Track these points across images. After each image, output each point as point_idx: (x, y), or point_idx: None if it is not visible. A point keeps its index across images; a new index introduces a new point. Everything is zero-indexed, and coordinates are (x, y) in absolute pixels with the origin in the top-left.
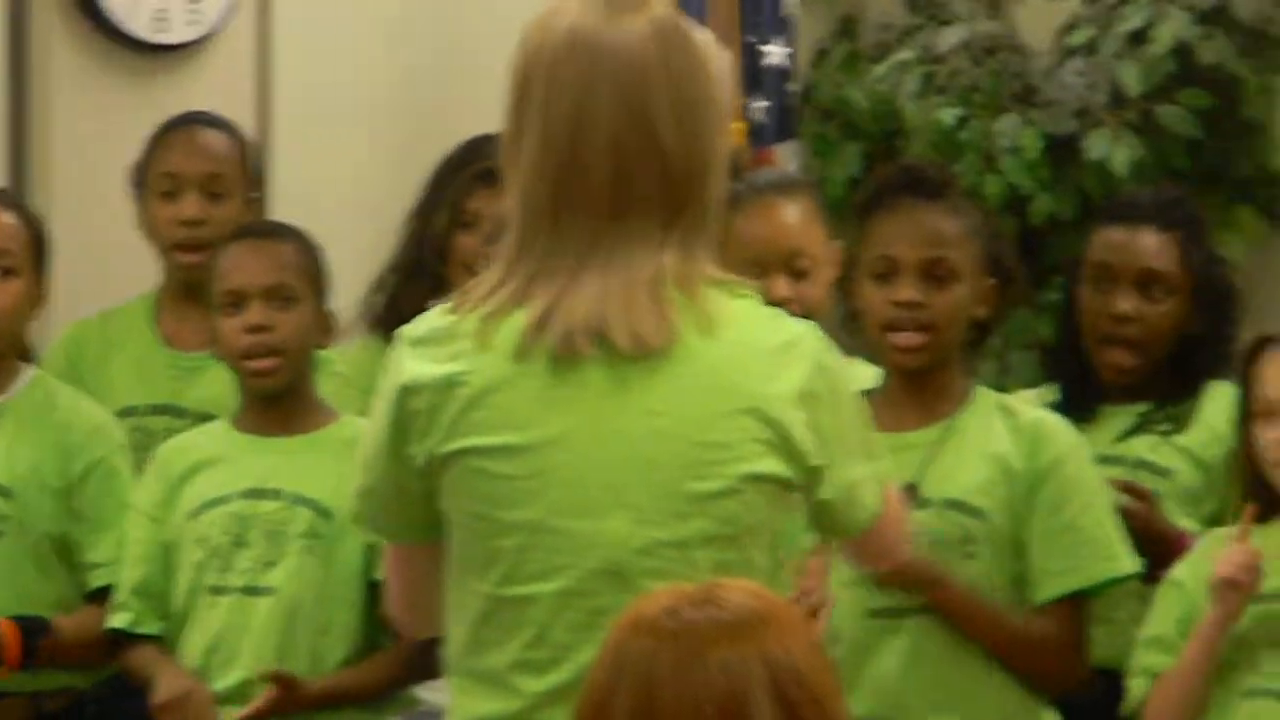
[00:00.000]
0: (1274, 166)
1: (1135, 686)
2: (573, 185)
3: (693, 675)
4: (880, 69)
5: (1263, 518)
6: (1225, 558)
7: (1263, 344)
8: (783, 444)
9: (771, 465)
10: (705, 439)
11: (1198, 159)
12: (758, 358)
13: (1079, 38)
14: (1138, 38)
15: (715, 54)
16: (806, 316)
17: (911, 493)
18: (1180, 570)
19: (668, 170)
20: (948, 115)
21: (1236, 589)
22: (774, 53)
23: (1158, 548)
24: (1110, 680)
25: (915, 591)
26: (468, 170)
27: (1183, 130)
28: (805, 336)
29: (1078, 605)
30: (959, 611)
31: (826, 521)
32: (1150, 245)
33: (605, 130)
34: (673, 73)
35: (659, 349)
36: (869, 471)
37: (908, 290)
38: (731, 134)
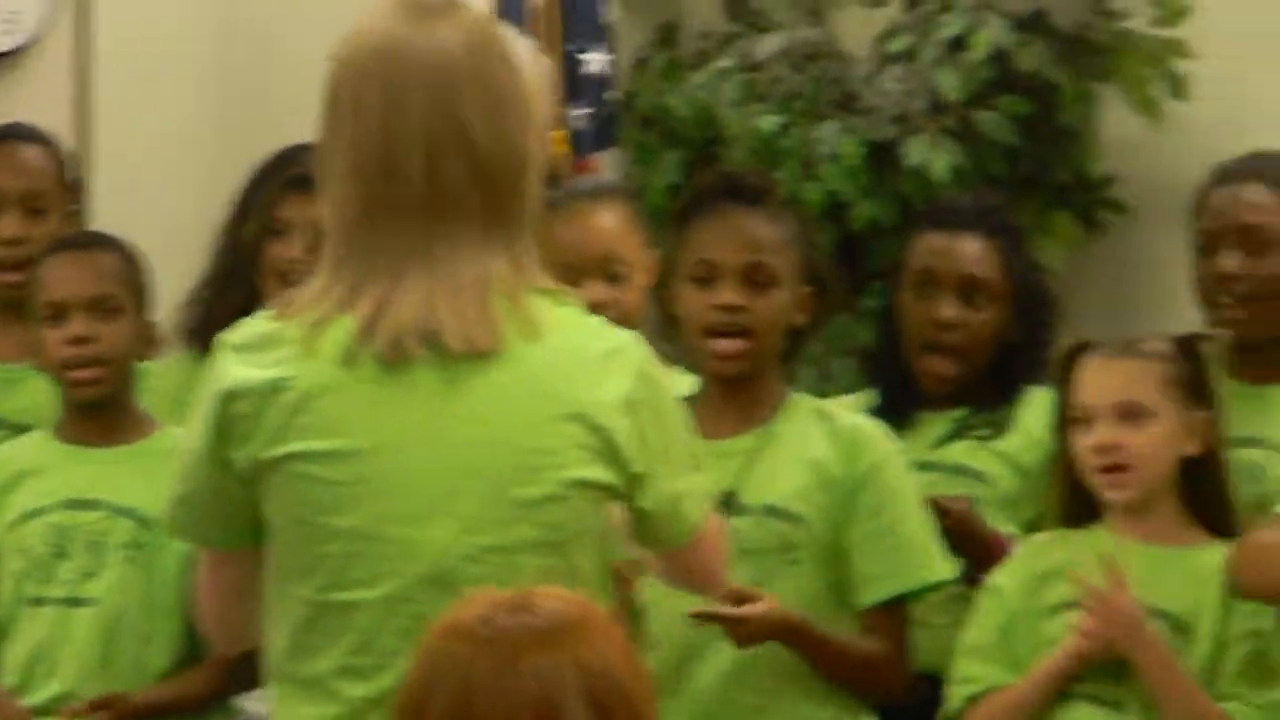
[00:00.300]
0: (1091, 172)
1: (955, 694)
2: (387, 189)
3: (507, 682)
4: (700, 76)
5: (1078, 522)
6: (1107, 612)
7: (1079, 350)
8: (607, 450)
9: (596, 471)
10: (530, 445)
11: (1016, 165)
12: (582, 364)
13: (898, 45)
14: (956, 45)
15: (527, 56)
16: (622, 322)
17: (730, 500)
18: (999, 576)
19: (482, 170)
20: (768, 122)
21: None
22: (594, 61)
23: (975, 550)
24: (931, 684)
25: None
26: (278, 178)
27: (1001, 136)
28: (629, 345)
29: (899, 610)
30: (806, 646)
31: (648, 531)
32: (972, 252)
33: (418, 133)
34: (483, 75)
35: (488, 351)
36: (693, 485)
37: (728, 294)
38: (545, 137)
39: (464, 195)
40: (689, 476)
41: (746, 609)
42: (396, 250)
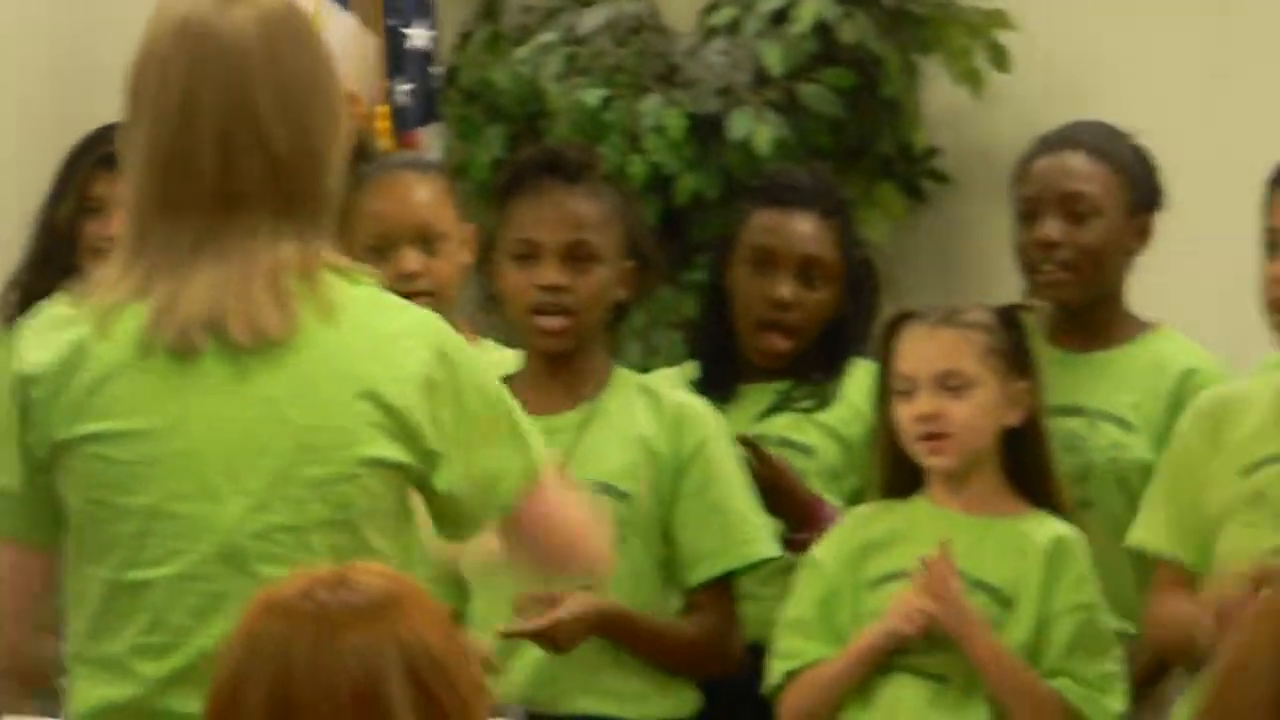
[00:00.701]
0: (915, 144)
1: (775, 669)
2: (182, 177)
3: (327, 659)
4: (523, 51)
5: (900, 493)
6: (932, 590)
7: (901, 320)
8: (401, 429)
9: (390, 450)
10: (320, 424)
11: (840, 137)
12: (377, 343)
13: (721, 17)
14: (779, 17)
15: (327, 42)
16: (436, 292)
17: None
18: (820, 550)
19: (275, 161)
20: (591, 96)
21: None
22: (417, 35)
23: (792, 509)
24: (756, 656)
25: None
26: (91, 156)
27: (825, 109)
28: (427, 324)
29: (727, 587)
30: (626, 637)
31: (450, 515)
32: (809, 232)
33: (211, 122)
34: (279, 63)
35: (279, 340)
36: (512, 459)
37: (550, 274)
38: (350, 117)
39: (258, 186)
40: (508, 450)
41: (551, 616)
42: (189, 239)
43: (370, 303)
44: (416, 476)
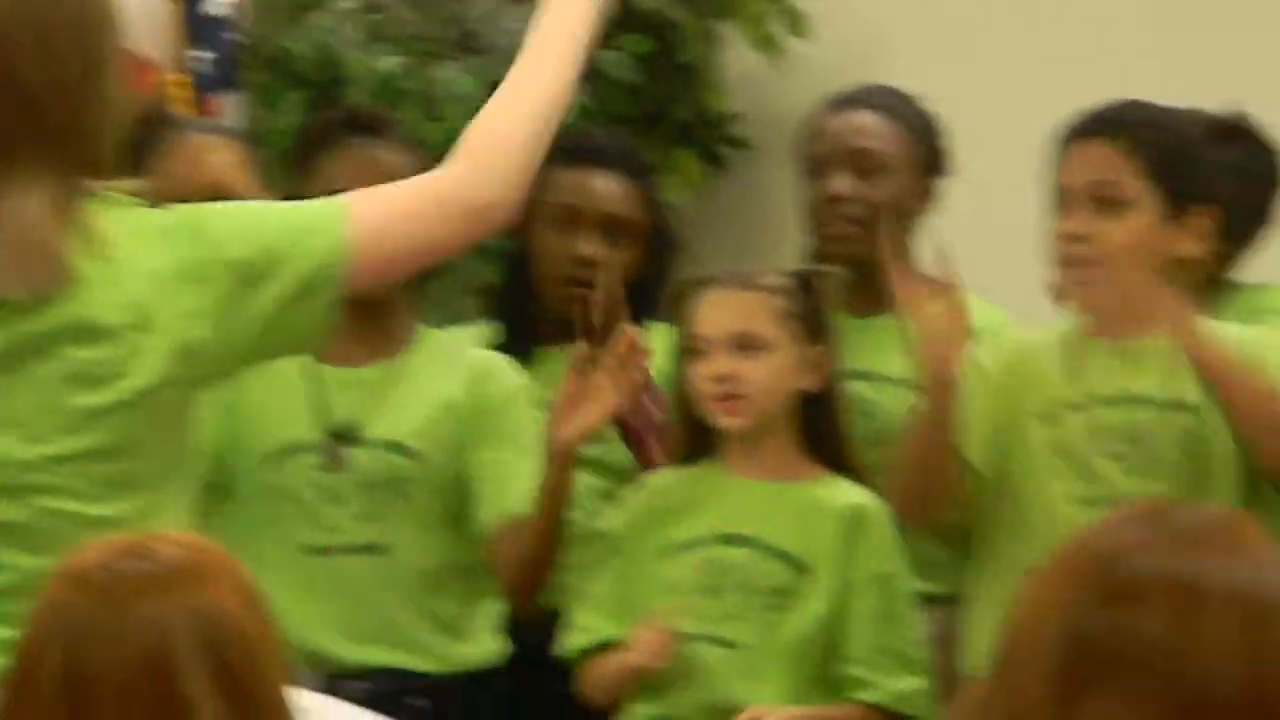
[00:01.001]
0: (713, 109)
1: (568, 641)
2: None
3: (118, 629)
4: (322, 18)
5: (696, 458)
6: (642, 648)
7: (696, 284)
8: (177, 348)
9: (172, 369)
10: (95, 356)
11: (638, 103)
12: (147, 270)
13: None
14: None
15: None
16: None
17: (352, 431)
18: (614, 520)
19: (35, 114)
20: (389, 63)
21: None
22: (215, 3)
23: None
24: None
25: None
26: None
27: (623, 75)
28: (181, 218)
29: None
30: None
31: (307, 340)
32: (615, 191)
33: None
34: (33, 9)
35: (52, 292)
36: (314, 248)
37: None
38: (120, 73)
39: (12, 130)
40: (303, 248)
41: None
42: None
43: (134, 227)
44: (228, 369)
